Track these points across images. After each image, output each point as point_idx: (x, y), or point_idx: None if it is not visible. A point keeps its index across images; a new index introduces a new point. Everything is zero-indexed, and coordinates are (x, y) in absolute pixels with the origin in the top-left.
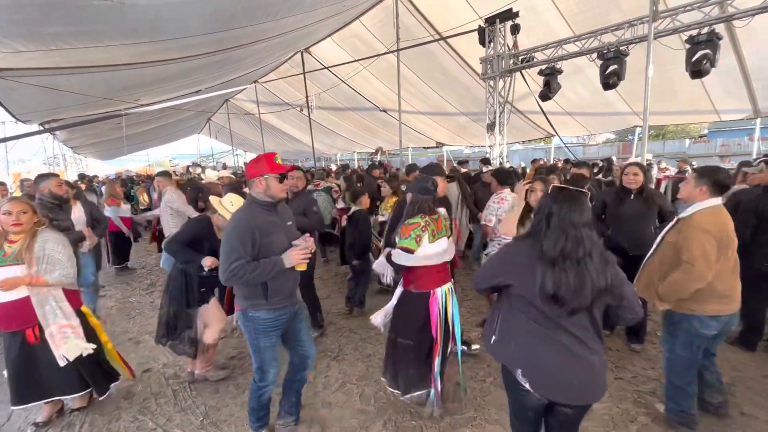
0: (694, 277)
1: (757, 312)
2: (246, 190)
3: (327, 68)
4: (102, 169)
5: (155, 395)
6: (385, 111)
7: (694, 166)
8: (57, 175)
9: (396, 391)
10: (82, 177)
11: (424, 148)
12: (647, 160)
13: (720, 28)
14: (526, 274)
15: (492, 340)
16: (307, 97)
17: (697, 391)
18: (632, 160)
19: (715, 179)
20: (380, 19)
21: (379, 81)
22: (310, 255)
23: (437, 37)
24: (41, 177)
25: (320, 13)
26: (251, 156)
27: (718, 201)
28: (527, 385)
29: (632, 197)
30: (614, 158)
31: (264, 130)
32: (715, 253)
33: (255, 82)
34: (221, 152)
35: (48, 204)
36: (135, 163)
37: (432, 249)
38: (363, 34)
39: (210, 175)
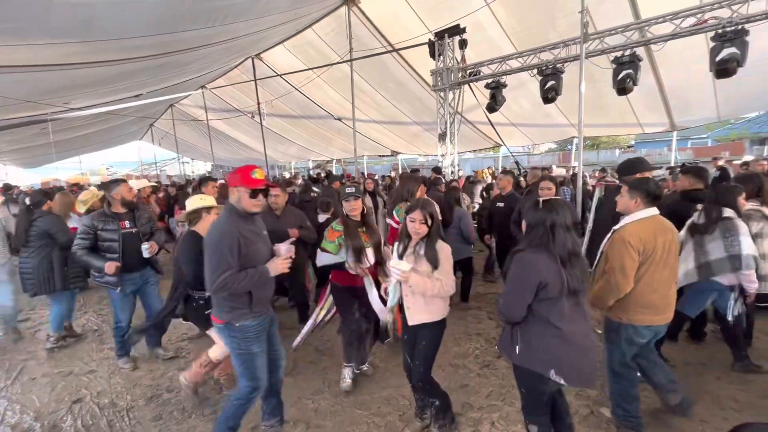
0: (610, 287)
1: (678, 306)
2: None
3: (279, 75)
4: (27, 178)
5: (87, 428)
6: (339, 119)
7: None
8: None
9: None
10: (7, 188)
11: (380, 156)
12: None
13: (641, 51)
14: (555, 277)
15: (517, 350)
16: (258, 104)
17: (638, 395)
18: (556, 171)
19: (646, 190)
20: (333, 28)
21: (333, 89)
22: (291, 263)
23: (389, 48)
24: None
25: (271, 20)
26: (199, 164)
27: (652, 211)
28: (562, 381)
29: None
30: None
31: (213, 137)
32: (634, 265)
33: (202, 87)
34: (165, 160)
35: None
36: (66, 171)
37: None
38: (316, 42)
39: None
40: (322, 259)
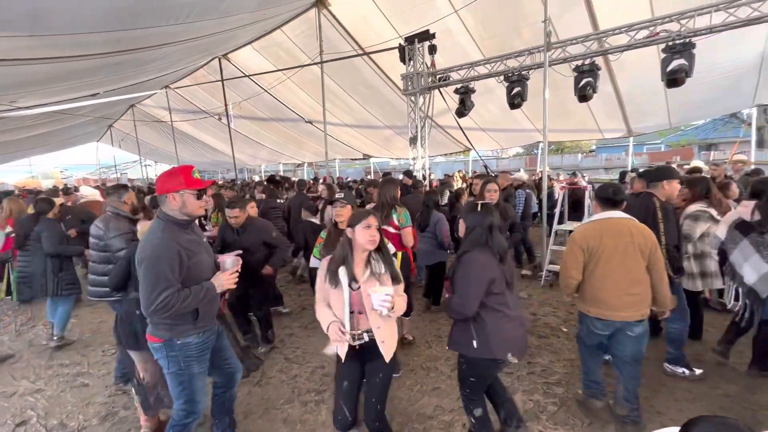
0: (560, 277)
1: None
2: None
3: (247, 76)
4: None
5: None
6: (310, 122)
7: (586, 178)
8: None
9: None
10: None
11: (352, 159)
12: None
13: (599, 61)
14: (499, 272)
15: (475, 344)
16: (226, 105)
17: (601, 369)
18: (517, 175)
19: (600, 196)
20: (303, 30)
21: (303, 92)
22: (237, 276)
23: (360, 51)
24: None
25: (238, 20)
26: (164, 167)
27: (608, 214)
28: (515, 360)
29: None
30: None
31: (177, 139)
32: (577, 262)
33: (166, 87)
34: (126, 163)
35: None
36: (15, 174)
37: None
38: (285, 44)
39: (87, 193)
40: (314, 263)
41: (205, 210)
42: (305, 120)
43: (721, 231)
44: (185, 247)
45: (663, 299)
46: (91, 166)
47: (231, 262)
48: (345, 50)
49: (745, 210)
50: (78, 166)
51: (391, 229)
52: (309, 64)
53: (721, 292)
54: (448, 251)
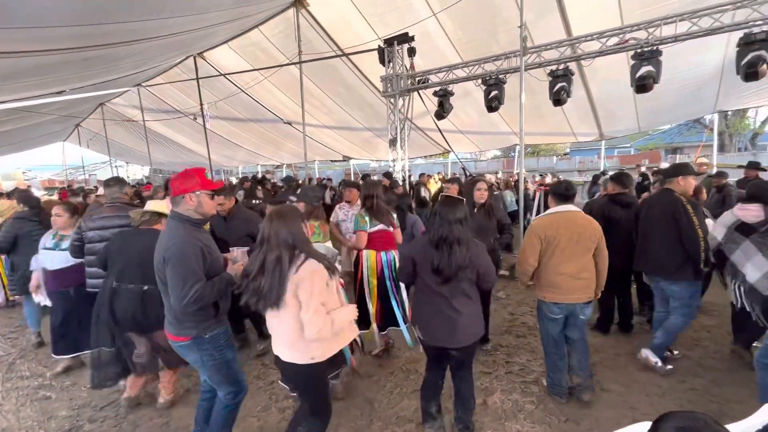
0: (518, 263)
1: (608, 301)
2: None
3: (223, 75)
4: None
5: None
6: (289, 123)
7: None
8: None
9: None
10: None
11: (331, 161)
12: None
13: (573, 66)
14: (423, 255)
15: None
16: (201, 105)
17: (565, 367)
18: (513, 174)
19: (553, 192)
20: (281, 30)
21: (281, 93)
22: None
23: (339, 52)
24: None
25: (213, 18)
26: (135, 168)
27: (562, 208)
28: (420, 335)
29: (476, 210)
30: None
31: (150, 139)
32: (534, 249)
33: (138, 85)
34: (95, 163)
35: None
36: None
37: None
38: (263, 43)
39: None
40: None
41: None
42: (284, 121)
43: (718, 233)
44: (205, 243)
45: (601, 284)
46: (56, 167)
47: (241, 253)
48: (324, 51)
49: (743, 213)
50: (43, 166)
51: (390, 229)
52: (287, 64)
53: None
54: None
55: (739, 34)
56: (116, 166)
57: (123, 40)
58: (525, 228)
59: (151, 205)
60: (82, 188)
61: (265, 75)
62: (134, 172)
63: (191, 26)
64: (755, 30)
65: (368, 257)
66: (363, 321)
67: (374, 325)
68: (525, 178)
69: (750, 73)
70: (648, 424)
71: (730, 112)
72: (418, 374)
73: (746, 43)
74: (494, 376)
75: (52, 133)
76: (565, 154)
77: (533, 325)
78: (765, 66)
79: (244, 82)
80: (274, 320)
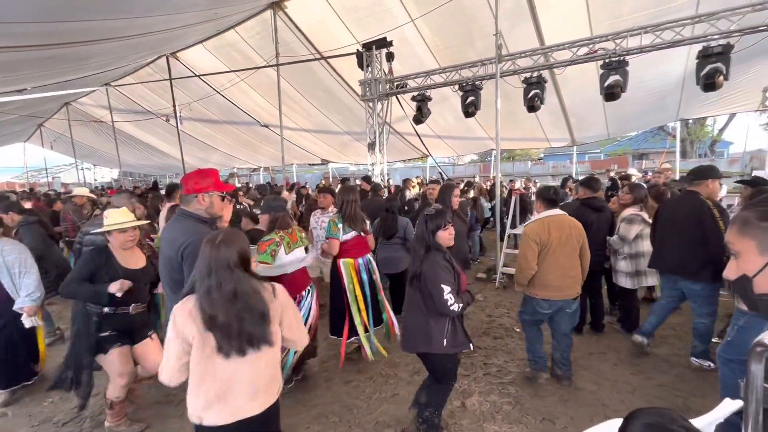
0: (519, 270)
1: (582, 301)
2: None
3: (198, 76)
4: None
5: None
6: (266, 126)
7: (537, 184)
8: None
9: None
10: None
11: (310, 164)
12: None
13: (546, 74)
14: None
15: (445, 342)
16: (174, 106)
17: (543, 350)
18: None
19: (542, 196)
20: (258, 31)
21: (258, 95)
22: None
23: (318, 55)
24: None
25: (187, 18)
26: (104, 171)
27: (550, 212)
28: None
29: (453, 216)
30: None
31: (120, 140)
32: (534, 253)
33: (107, 84)
34: (59, 165)
35: None
36: None
37: (288, 258)
38: (239, 45)
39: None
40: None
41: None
42: (261, 123)
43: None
44: None
45: (582, 280)
46: (17, 169)
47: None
48: (302, 54)
49: None
50: (2, 169)
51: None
52: (264, 66)
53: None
54: None
55: (699, 47)
56: (82, 169)
57: (91, 39)
58: (501, 232)
59: (115, 217)
60: (59, 194)
61: (241, 77)
62: (102, 175)
63: (164, 26)
64: (713, 44)
65: (347, 267)
66: (339, 329)
67: (363, 332)
68: (501, 182)
69: (708, 84)
70: (619, 421)
71: (691, 121)
72: (397, 378)
73: (704, 56)
74: (472, 378)
75: (12, 134)
76: (539, 159)
77: (510, 326)
78: (721, 78)
79: (219, 84)
80: (243, 367)
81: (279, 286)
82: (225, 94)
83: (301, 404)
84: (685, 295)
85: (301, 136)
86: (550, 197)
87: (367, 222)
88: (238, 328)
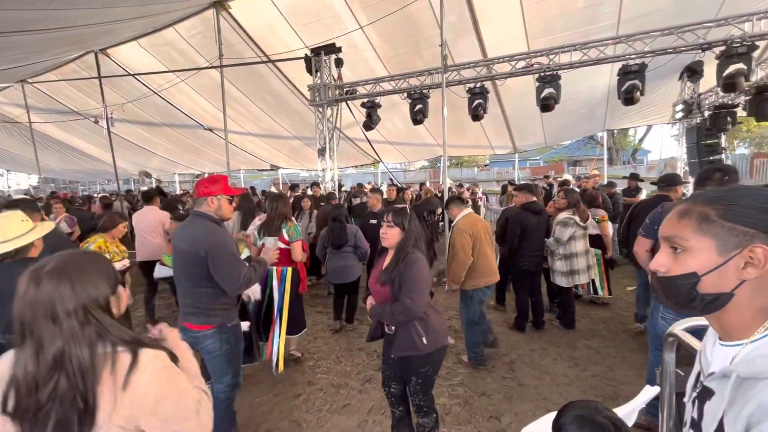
0: (458, 262)
1: (523, 301)
2: None
3: (132, 75)
4: None
5: None
6: (210, 129)
7: (480, 189)
8: None
9: None
10: None
11: (259, 170)
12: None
13: (489, 85)
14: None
15: (424, 340)
16: (105, 106)
17: (482, 341)
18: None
19: (455, 200)
20: (199, 31)
21: (201, 97)
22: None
23: (264, 58)
24: None
25: (118, 12)
26: (19, 176)
27: (467, 210)
28: (452, 341)
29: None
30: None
31: (39, 143)
32: (470, 245)
33: (22, 81)
34: None
35: None
36: None
37: None
38: (179, 44)
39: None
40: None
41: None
42: (204, 127)
43: None
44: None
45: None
46: None
47: (272, 241)
48: (248, 56)
49: None
50: None
51: (281, 244)
52: (206, 68)
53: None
54: (363, 264)
55: (620, 65)
56: None
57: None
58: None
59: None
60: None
61: (181, 77)
62: (18, 182)
63: (89, 20)
64: (630, 62)
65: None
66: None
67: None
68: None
69: (628, 99)
70: (555, 414)
71: (616, 131)
72: (348, 388)
73: (624, 73)
74: None
75: None
76: (485, 165)
77: (459, 329)
78: (638, 93)
79: (157, 84)
80: None
81: (144, 363)
82: (163, 95)
83: (247, 427)
84: None
85: (248, 140)
86: (462, 198)
87: (289, 230)
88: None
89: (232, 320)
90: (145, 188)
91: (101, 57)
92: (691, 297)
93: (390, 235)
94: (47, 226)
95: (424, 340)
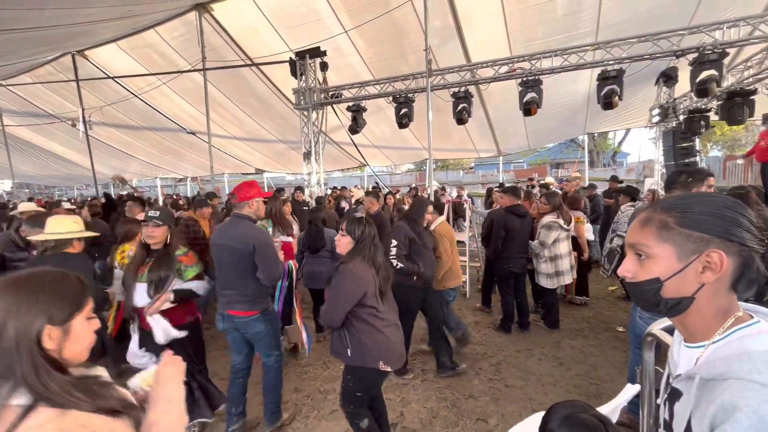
0: (441, 264)
1: (509, 302)
2: None
3: (111, 77)
4: None
5: None
6: (193, 133)
7: (465, 192)
8: None
9: None
10: None
11: (243, 174)
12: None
13: (473, 89)
14: (372, 284)
15: (349, 353)
16: (83, 109)
17: (450, 343)
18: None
19: (435, 206)
20: (181, 33)
21: (183, 100)
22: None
23: (248, 62)
24: None
25: (95, 13)
26: None
27: (442, 217)
28: (388, 368)
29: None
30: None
31: (13, 147)
32: (450, 248)
33: None
34: None
35: None
36: None
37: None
38: (160, 46)
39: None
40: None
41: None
42: (187, 131)
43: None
44: None
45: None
46: None
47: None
48: (231, 59)
49: None
50: None
51: (290, 239)
52: (189, 71)
53: (582, 289)
54: None
55: (599, 70)
56: None
57: None
58: None
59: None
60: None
61: (163, 80)
62: None
63: (65, 20)
64: (609, 68)
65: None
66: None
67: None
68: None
69: (607, 103)
70: (542, 414)
71: (596, 134)
72: (335, 394)
73: (603, 78)
74: (411, 386)
75: None
76: (470, 168)
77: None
78: (617, 98)
79: (137, 87)
80: None
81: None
82: (144, 98)
83: None
84: None
85: (232, 144)
86: (439, 206)
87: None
88: None
89: (270, 306)
90: (124, 193)
91: (79, 59)
92: (656, 301)
93: (342, 244)
94: (90, 234)
95: (349, 352)
